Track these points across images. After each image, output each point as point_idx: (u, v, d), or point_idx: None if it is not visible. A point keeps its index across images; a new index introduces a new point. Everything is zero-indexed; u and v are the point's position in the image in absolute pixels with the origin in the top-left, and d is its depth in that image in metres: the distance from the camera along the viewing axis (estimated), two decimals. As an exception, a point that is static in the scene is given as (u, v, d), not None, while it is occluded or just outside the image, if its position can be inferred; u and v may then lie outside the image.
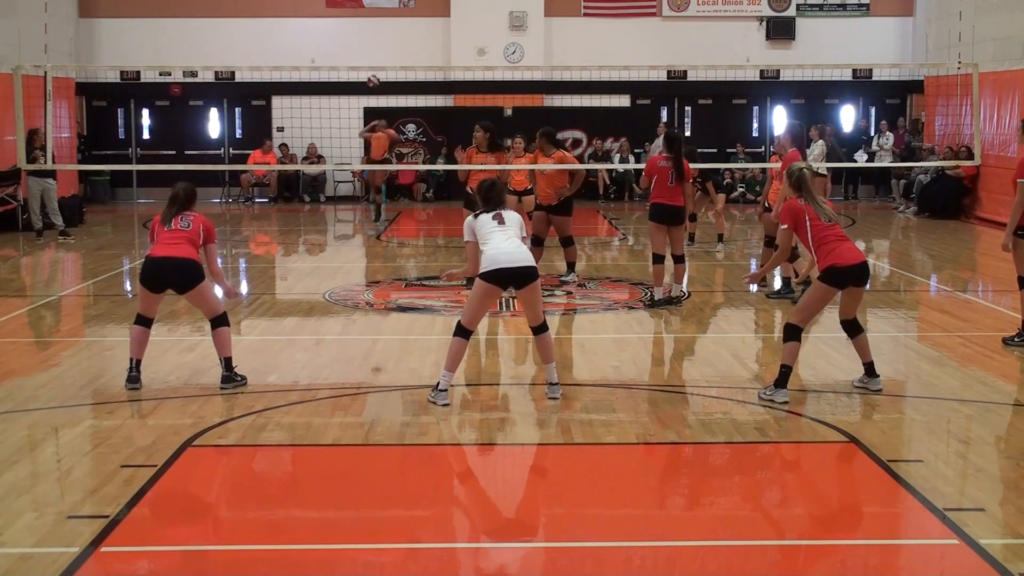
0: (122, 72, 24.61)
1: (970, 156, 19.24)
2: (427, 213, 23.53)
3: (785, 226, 8.08)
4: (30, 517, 5.63)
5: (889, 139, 23.62)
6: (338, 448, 6.89)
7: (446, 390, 7.79)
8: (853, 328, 8.14)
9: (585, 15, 25.41)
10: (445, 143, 25.06)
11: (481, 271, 7.86)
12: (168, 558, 5.27)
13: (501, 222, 7.97)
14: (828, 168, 19.26)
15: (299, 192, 25.75)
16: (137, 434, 7.08)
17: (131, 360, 8.31)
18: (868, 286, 13.62)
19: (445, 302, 11.94)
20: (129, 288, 13.82)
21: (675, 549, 5.43)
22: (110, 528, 5.46)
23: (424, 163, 25.23)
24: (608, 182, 25.65)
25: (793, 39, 25.46)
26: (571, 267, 13.28)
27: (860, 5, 25.62)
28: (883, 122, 24.41)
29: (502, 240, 7.87)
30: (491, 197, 8.12)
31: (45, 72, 17.97)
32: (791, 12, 25.49)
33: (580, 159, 25.43)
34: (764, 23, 25.48)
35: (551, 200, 12.94)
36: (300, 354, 9.47)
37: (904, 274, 14.36)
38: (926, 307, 12.41)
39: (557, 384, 7.97)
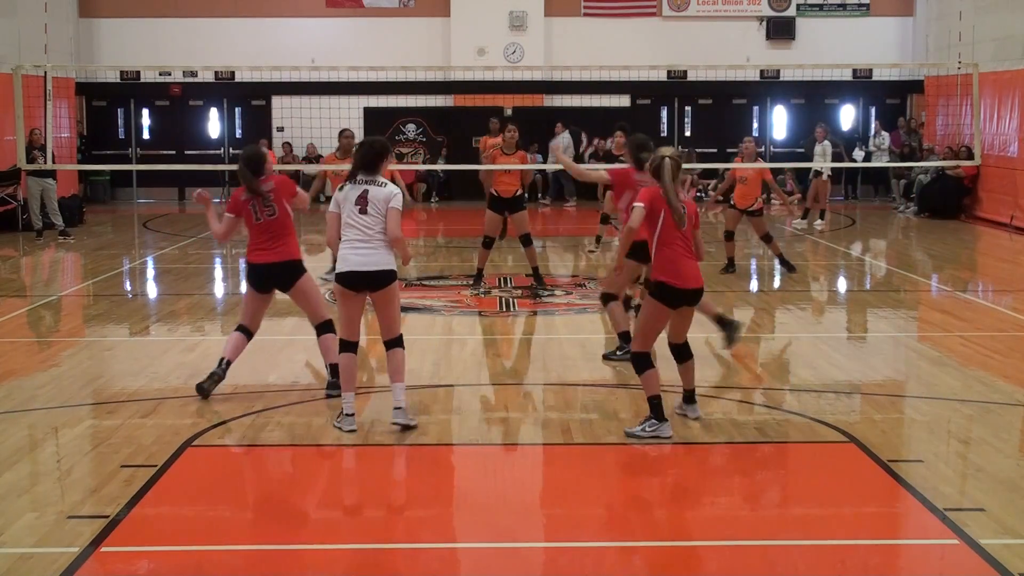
0: (122, 72, 24.61)
1: (970, 156, 19.24)
2: (427, 213, 23.50)
3: (642, 204, 6.93)
4: (30, 517, 5.63)
5: (885, 139, 23.61)
6: (338, 448, 6.89)
7: (352, 414, 7.14)
8: (683, 353, 7.34)
9: (585, 15, 25.39)
10: (445, 143, 25.07)
11: (336, 270, 7.18)
12: (168, 558, 5.26)
13: (364, 211, 6.95)
14: (832, 169, 19.26)
15: (299, 192, 25.73)
16: (137, 434, 7.07)
17: (221, 359, 7.90)
18: (869, 285, 13.73)
19: (445, 302, 11.94)
20: (129, 288, 13.83)
21: (675, 549, 5.43)
22: (110, 528, 5.46)
23: (424, 163, 25.20)
24: (608, 182, 25.65)
25: (793, 39, 25.44)
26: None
27: (860, 5, 25.61)
28: (876, 122, 24.37)
29: (358, 240, 6.98)
30: (365, 160, 7.00)
31: (45, 72, 17.97)
32: (791, 12, 25.47)
33: (580, 159, 25.43)
34: (764, 23, 25.47)
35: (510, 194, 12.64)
36: (300, 354, 9.46)
37: (904, 274, 14.35)
38: (926, 307, 12.40)
39: (402, 408, 7.07)
